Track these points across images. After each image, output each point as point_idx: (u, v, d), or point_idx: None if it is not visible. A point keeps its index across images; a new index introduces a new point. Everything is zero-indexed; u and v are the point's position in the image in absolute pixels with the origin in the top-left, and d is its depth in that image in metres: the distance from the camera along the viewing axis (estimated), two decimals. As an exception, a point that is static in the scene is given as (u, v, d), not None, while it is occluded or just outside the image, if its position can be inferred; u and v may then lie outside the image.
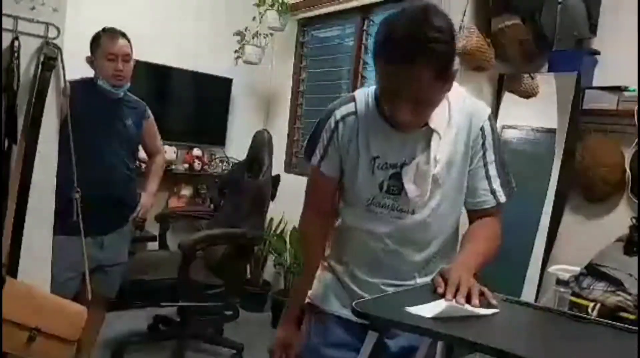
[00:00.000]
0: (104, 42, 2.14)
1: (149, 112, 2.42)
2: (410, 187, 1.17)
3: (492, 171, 1.23)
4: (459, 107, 1.20)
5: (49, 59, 1.69)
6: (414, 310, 0.97)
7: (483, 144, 1.22)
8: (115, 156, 2.22)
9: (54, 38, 1.71)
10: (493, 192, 1.23)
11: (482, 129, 1.21)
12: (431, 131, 1.17)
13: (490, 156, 1.22)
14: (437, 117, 1.17)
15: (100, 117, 2.17)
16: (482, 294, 1.03)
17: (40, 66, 1.69)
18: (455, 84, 1.16)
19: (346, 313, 1.24)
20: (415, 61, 1.01)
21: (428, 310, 0.96)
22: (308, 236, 1.38)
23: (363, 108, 1.21)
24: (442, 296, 1.02)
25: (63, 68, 1.76)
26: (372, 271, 1.25)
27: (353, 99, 1.23)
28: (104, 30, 2.18)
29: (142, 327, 3.02)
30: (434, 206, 1.21)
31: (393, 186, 1.19)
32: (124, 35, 2.20)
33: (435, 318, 0.93)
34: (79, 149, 1.92)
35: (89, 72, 2.20)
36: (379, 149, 1.19)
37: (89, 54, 2.19)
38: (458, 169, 1.21)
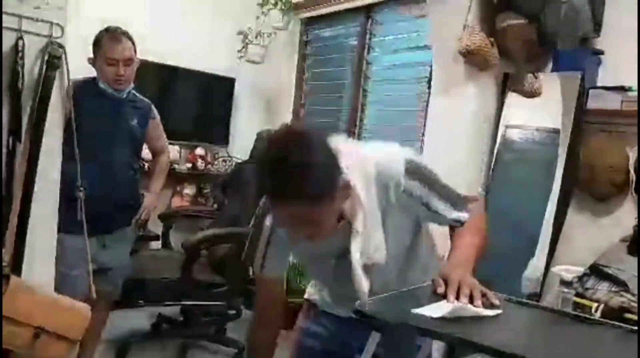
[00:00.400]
0: (105, 44, 2.08)
1: (155, 112, 2.38)
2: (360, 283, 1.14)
3: (439, 207, 1.18)
4: (368, 188, 1.13)
5: (54, 58, 1.70)
6: (419, 311, 0.97)
7: (418, 198, 1.16)
8: (118, 156, 2.19)
9: (58, 37, 1.71)
10: (453, 220, 1.21)
11: (404, 191, 1.14)
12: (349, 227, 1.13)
13: (430, 199, 1.17)
14: (348, 209, 1.12)
15: (104, 117, 2.13)
16: (484, 295, 1.03)
17: (44, 65, 1.69)
18: (360, 151, 1.15)
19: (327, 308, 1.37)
20: (290, 201, 0.99)
21: (433, 311, 0.96)
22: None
23: None
24: (443, 296, 1.02)
25: (67, 67, 1.76)
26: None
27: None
28: (106, 30, 2.11)
29: (145, 326, 3.02)
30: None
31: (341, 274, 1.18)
32: (126, 35, 2.13)
33: (438, 319, 0.93)
34: (82, 149, 1.89)
35: (89, 71, 2.15)
36: (304, 260, 1.29)
37: (89, 53, 2.14)
38: (398, 230, 1.19)
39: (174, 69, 3.59)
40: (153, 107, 2.37)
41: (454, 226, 1.22)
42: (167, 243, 3.06)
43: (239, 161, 3.66)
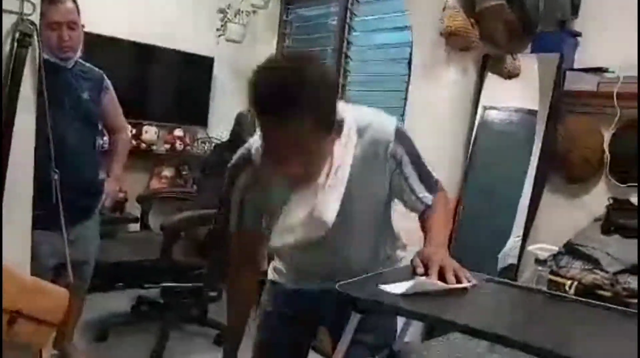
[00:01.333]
0: (46, 9, 1.82)
1: (108, 83, 2.15)
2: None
3: (414, 183, 1.21)
4: (354, 143, 1.15)
5: (25, 36, 1.64)
6: (387, 288, 0.99)
7: (399, 164, 1.18)
8: (72, 135, 1.96)
9: (29, 14, 1.65)
10: (419, 199, 1.23)
11: (390, 153, 1.17)
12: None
13: (408, 171, 1.20)
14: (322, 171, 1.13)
15: (50, 93, 1.79)
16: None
17: (15, 43, 1.63)
18: (355, 107, 1.18)
19: (293, 286, 1.37)
20: (283, 110, 0.96)
21: (399, 287, 0.98)
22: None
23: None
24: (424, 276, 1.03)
25: (39, 44, 1.71)
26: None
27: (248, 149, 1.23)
28: None
29: (125, 308, 3.01)
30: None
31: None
32: None
33: (413, 298, 0.95)
34: (38, 133, 1.71)
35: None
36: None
37: None
38: (370, 196, 1.21)
39: (152, 48, 3.51)
40: (106, 78, 2.15)
41: (418, 207, 1.24)
42: (145, 225, 3.03)
43: (219, 142, 3.63)
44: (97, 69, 2.12)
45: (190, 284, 2.72)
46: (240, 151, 1.27)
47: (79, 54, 1.99)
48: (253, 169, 1.20)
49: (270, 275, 1.47)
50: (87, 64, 2.08)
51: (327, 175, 1.13)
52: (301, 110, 0.96)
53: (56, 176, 1.79)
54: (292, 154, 1.02)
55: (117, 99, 2.22)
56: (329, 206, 1.14)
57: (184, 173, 3.80)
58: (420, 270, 1.05)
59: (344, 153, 1.13)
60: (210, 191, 2.95)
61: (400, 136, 1.18)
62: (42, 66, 1.71)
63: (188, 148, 3.77)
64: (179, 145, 3.69)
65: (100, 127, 2.25)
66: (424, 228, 1.23)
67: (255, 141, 1.21)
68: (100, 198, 2.14)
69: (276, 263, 1.45)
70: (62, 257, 1.91)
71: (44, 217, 1.75)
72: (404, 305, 0.93)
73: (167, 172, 3.72)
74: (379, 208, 1.26)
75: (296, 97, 0.96)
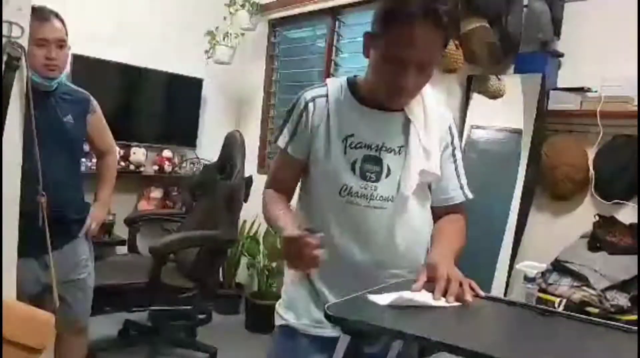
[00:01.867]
0: (33, 25, 1.73)
1: (94, 104, 2.06)
2: (405, 177, 1.17)
3: (460, 169, 1.27)
4: (432, 104, 1.23)
5: (12, 59, 1.64)
6: (375, 298, 1.00)
7: (452, 142, 1.25)
8: (52, 161, 1.85)
9: (17, 37, 1.66)
10: (462, 188, 1.26)
11: (450, 128, 1.25)
12: (407, 119, 1.19)
13: (458, 154, 1.27)
14: (413, 105, 1.19)
15: (34, 116, 1.75)
16: (471, 288, 1.07)
17: (3, 66, 1.63)
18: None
19: (320, 331, 1.20)
20: (431, 19, 1.04)
21: (386, 298, 0.99)
22: (267, 195, 1.29)
23: (335, 92, 1.21)
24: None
25: (27, 68, 1.71)
26: (339, 286, 1.18)
27: (325, 84, 1.24)
28: (32, 10, 1.76)
29: (113, 332, 2.96)
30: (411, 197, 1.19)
31: (369, 171, 1.17)
32: (57, 16, 1.87)
33: (402, 318, 0.95)
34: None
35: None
36: (352, 128, 1.18)
37: None
38: (435, 163, 1.22)
39: (141, 70, 3.53)
40: (93, 100, 2.06)
41: (453, 203, 1.25)
42: (133, 247, 3.00)
43: (208, 163, 3.63)
44: (82, 90, 2.05)
45: (179, 307, 2.69)
46: (314, 90, 1.24)
47: (63, 75, 1.93)
48: (327, 104, 1.20)
49: (282, 315, 1.29)
50: (72, 86, 2.02)
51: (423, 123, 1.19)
52: (445, 23, 1.05)
53: (43, 200, 1.72)
54: (417, 67, 1.08)
55: (104, 121, 2.14)
56: (411, 174, 1.17)
57: (172, 194, 3.78)
58: (416, 286, 1.06)
59: (431, 104, 1.22)
60: (200, 213, 2.94)
61: (453, 124, 1.28)
62: (30, 90, 1.71)
63: (177, 169, 3.76)
64: (167, 166, 3.68)
65: (87, 149, 2.20)
66: (437, 229, 1.24)
67: (332, 81, 1.24)
68: (81, 224, 2.03)
69: (290, 282, 1.30)
70: (38, 284, 1.87)
71: (20, 244, 1.64)
72: (391, 326, 0.93)
73: (156, 193, 3.70)
74: (425, 202, 1.26)
75: (454, 13, 1.07)
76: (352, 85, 1.22)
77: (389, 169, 1.18)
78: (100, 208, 2.15)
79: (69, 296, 2.02)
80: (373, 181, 1.17)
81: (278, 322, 1.30)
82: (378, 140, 1.18)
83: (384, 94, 1.15)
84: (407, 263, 1.22)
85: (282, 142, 1.24)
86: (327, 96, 1.21)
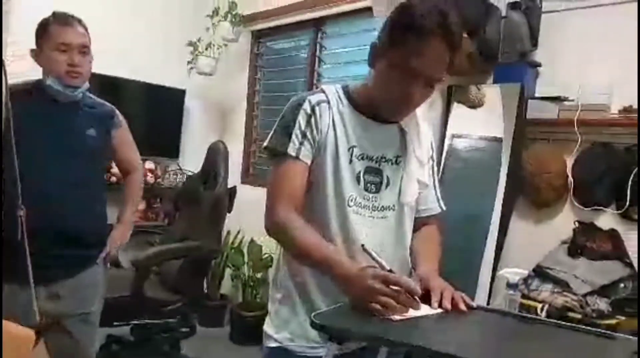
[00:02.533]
0: (55, 30, 1.68)
1: (120, 118, 1.92)
2: (406, 186, 1.21)
3: (437, 182, 1.33)
4: (420, 116, 1.27)
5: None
6: None
7: (432, 156, 1.32)
8: (72, 178, 1.72)
9: (-5, 49, 1.64)
10: (439, 200, 1.33)
11: (431, 142, 1.32)
12: (402, 131, 1.22)
13: (435, 168, 1.33)
14: (407, 119, 1.23)
15: (50, 126, 1.69)
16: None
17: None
18: None
19: (319, 352, 1.15)
20: (444, 35, 1.06)
21: None
22: (292, 222, 1.13)
23: (334, 99, 1.20)
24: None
25: (5, 79, 1.68)
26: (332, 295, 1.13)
27: (322, 91, 1.23)
28: (54, 15, 1.72)
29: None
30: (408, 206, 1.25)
31: (370, 182, 1.19)
32: (80, 22, 1.75)
33: (390, 325, 0.95)
34: (24, 173, 1.52)
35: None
36: (355, 139, 1.19)
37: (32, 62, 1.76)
38: (427, 173, 1.28)
39: (123, 81, 3.50)
40: (118, 113, 1.92)
41: (431, 214, 1.31)
42: (115, 260, 2.95)
43: (191, 174, 3.61)
44: (106, 103, 1.90)
45: (162, 320, 2.66)
46: (315, 96, 1.20)
47: (87, 84, 1.76)
48: (331, 111, 1.19)
49: (273, 336, 1.23)
50: (96, 98, 1.86)
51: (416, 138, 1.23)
52: (456, 40, 1.08)
53: (21, 213, 1.52)
54: (425, 82, 1.10)
55: (131, 137, 1.99)
56: (412, 183, 1.22)
57: (155, 206, 3.75)
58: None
59: (421, 118, 1.27)
60: (183, 224, 2.92)
61: (432, 138, 1.34)
62: (8, 101, 1.55)
63: (160, 180, 3.73)
64: (150, 178, 3.65)
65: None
66: (420, 241, 1.28)
67: (329, 88, 1.23)
68: (101, 247, 1.84)
69: (280, 299, 1.24)
70: (46, 315, 1.67)
71: (14, 269, 1.51)
72: (375, 333, 0.93)
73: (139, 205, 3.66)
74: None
75: (458, 28, 1.09)
76: (348, 94, 1.23)
77: (388, 180, 1.21)
78: (122, 230, 1.96)
79: (76, 330, 1.80)
80: (374, 192, 1.20)
81: (269, 343, 1.24)
82: (378, 152, 1.20)
83: (389, 104, 1.16)
84: (398, 268, 1.23)
85: (292, 149, 1.15)
86: (328, 102, 1.20)
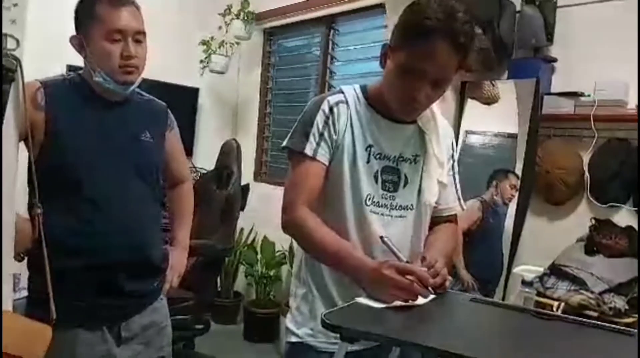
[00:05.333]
0: (104, 11, 1.31)
1: (172, 119, 1.60)
2: (427, 185, 1.22)
3: (458, 181, 1.31)
4: (439, 116, 1.27)
5: (7, 71, 1.64)
6: (366, 301, 1.03)
7: (452, 155, 1.31)
8: (128, 191, 1.39)
9: (12, 49, 1.66)
10: (459, 200, 1.32)
11: (452, 141, 1.31)
12: (420, 131, 1.23)
13: (456, 168, 1.32)
14: (425, 117, 1.23)
15: (98, 129, 1.36)
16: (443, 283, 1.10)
17: (-2, 79, 1.62)
18: None
19: (336, 348, 1.12)
20: (451, 37, 1.05)
21: (377, 301, 1.03)
22: (308, 221, 1.15)
23: (352, 100, 1.22)
24: None
25: (23, 81, 1.71)
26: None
27: (341, 91, 1.25)
28: None
29: (110, 343, 2.93)
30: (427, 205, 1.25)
31: (388, 181, 1.20)
32: (132, 1, 1.38)
33: (402, 323, 0.96)
34: (66, 189, 1.30)
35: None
36: (372, 139, 1.20)
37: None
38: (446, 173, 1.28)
39: (135, 81, 3.52)
40: (170, 112, 1.60)
41: (451, 213, 1.31)
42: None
43: (204, 172, 3.62)
44: (158, 99, 1.58)
45: (176, 317, 2.68)
46: (334, 96, 1.23)
47: (140, 78, 1.42)
48: (349, 111, 1.21)
49: (295, 332, 1.23)
50: (145, 94, 1.54)
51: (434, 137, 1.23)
52: (463, 43, 1.07)
53: (39, 211, 1.28)
54: (433, 83, 1.10)
55: (180, 141, 1.66)
56: (432, 182, 1.22)
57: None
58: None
59: (441, 118, 1.27)
60: (196, 222, 2.93)
61: (453, 138, 1.34)
62: (40, 97, 1.37)
63: (173, 178, 3.75)
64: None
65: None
66: (434, 235, 1.28)
67: (347, 89, 1.25)
68: (162, 277, 1.52)
69: (302, 296, 1.24)
70: None
71: (74, 310, 1.30)
72: (384, 333, 0.93)
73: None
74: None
75: (472, 35, 1.09)
76: (366, 94, 1.24)
77: (406, 179, 1.22)
78: (182, 254, 1.65)
79: None
80: (391, 191, 1.20)
81: (290, 338, 1.24)
82: (395, 151, 1.21)
83: (396, 104, 1.17)
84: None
85: (309, 149, 1.17)
86: (347, 102, 1.21)
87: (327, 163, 1.19)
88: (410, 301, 1.03)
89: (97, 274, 1.33)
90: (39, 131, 1.29)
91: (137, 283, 1.41)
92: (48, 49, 2.69)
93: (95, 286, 1.33)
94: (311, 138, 1.18)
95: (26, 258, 1.39)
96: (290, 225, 1.18)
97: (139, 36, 1.38)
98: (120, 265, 1.36)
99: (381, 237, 1.12)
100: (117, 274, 1.36)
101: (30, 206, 1.33)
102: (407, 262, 1.04)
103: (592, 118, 2.14)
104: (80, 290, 1.32)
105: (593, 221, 2.17)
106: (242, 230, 3.70)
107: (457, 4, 1.08)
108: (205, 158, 3.68)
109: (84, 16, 1.35)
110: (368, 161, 1.19)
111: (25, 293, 1.44)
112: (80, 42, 1.36)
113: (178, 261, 1.61)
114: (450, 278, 1.12)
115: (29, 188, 1.33)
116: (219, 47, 3.67)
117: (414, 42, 1.08)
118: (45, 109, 1.30)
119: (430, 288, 1.05)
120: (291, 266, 3.25)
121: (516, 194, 2.37)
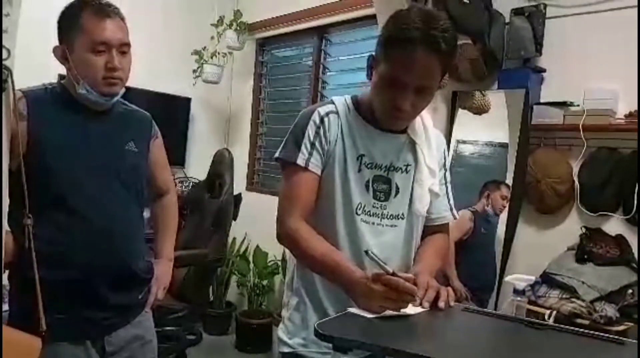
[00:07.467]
0: (89, 23, 1.29)
1: (156, 128, 1.60)
2: (418, 194, 1.22)
3: (450, 190, 1.31)
4: (431, 126, 1.28)
5: (-1, 82, 1.63)
6: (357, 311, 1.03)
7: (445, 164, 1.31)
8: (112, 202, 1.37)
9: (4, 59, 1.65)
10: (451, 209, 1.32)
11: (444, 150, 1.31)
12: (411, 140, 1.23)
13: (448, 176, 1.32)
14: (416, 127, 1.24)
15: (82, 142, 1.35)
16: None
17: (-11, 89, 1.61)
18: None
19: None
20: (431, 46, 1.06)
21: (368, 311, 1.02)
22: (302, 231, 1.16)
23: (343, 110, 1.23)
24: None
25: (14, 90, 1.70)
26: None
27: (332, 102, 1.26)
28: (84, 1, 1.32)
29: (101, 355, 2.90)
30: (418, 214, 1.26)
31: (379, 190, 1.20)
32: (117, 11, 1.37)
33: (393, 332, 0.96)
34: (49, 200, 1.28)
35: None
36: (363, 148, 1.21)
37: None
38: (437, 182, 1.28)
39: (128, 90, 3.51)
40: (154, 122, 1.61)
41: (442, 223, 1.31)
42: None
43: (196, 182, 3.62)
44: (141, 109, 1.59)
45: (167, 328, 2.66)
46: (325, 107, 1.24)
47: (123, 89, 1.43)
48: (339, 121, 1.22)
49: (287, 342, 1.23)
50: (127, 103, 1.55)
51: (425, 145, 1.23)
52: (444, 50, 1.07)
53: (29, 222, 1.25)
54: (416, 92, 1.11)
55: (164, 151, 1.64)
56: (423, 192, 1.22)
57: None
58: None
59: (431, 127, 1.27)
60: (188, 232, 2.92)
61: (446, 147, 1.34)
62: (22, 108, 1.37)
63: (165, 188, 3.73)
64: (156, 186, 3.66)
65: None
66: (425, 245, 1.28)
67: (337, 99, 1.26)
68: (147, 289, 1.49)
69: (294, 306, 1.24)
70: None
71: (57, 323, 1.26)
72: (376, 342, 0.93)
73: (144, 213, 3.66)
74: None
75: (453, 41, 1.10)
76: (357, 104, 1.25)
77: (397, 188, 1.22)
78: (167, 266, 1.60)
79: None
80: (382, 201, 1.21)
81: (283, 348, 1.25)
82: (386, 160, 1.21)
83: (383, 115, 1.18)
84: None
85: (301, 160, 1.18)
86: (337, 113, 1.22)
87: (319, 173, 1.20)
88: (401, 310, 1.03)
89: (81, 286, 1.30)
90: (22, 141, 1.25)
91: (121, 296, 1.38)
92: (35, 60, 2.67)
93: (78, 298, 1.30)
94: (303, 149, 1.19)
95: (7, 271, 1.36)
96: (284, 237, 1.19)
97: (123, 48, 1.37)
98: (104, 276, 1.34)
99: (366, 251, 1.11)
100: (100, 286, 1.33)
101: (10, 218, 1.29)
102: (394, 273, 1.04)
103: (581, 128, 2.17)
104: (63, 303, 1.29)
105: (584, 230, 2.18)
106: (234, 239, 3.68)
107: (437, 13, 1.11)
108: (198, 167, 3.68)
109: (68, 27, 1.33)
110: (359, 171, 1.20)
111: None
112: (63, 52, 1.34)
113: (163, 273, 1.58)
114: (452, 293, 1.12)
115: (10, 199, 1.29)
116: (212, 57, 3.69)
117: (395, 52, 1.09)
118: (27, 119, 1.28)
119: (423, 302, 1.06)
120: (284, 276, 3.24)
121: (507, 205, 2.38)
